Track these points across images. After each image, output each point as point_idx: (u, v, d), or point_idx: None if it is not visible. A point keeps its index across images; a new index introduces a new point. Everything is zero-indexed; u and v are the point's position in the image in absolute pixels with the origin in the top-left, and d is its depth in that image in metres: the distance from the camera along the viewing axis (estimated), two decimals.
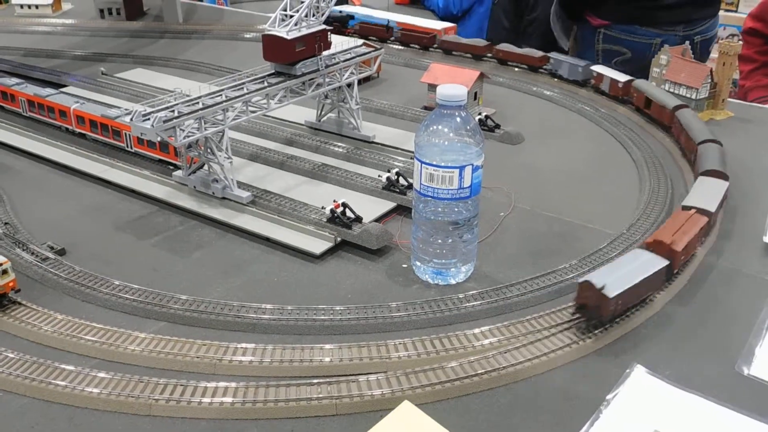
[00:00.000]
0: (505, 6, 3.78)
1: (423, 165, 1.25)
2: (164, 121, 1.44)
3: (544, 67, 2.55)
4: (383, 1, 3.83)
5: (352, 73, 1.86)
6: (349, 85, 1.88)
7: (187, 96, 1.55)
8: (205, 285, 1.36)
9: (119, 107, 1.99)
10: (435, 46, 2.77)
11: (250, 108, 1.63)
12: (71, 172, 1.83)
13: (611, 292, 1.16)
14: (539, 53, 2.56)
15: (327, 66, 1.77)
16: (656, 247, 1.28)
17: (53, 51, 2.85)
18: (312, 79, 1.75)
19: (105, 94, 2.33)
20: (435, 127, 1.25)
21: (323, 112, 2.01)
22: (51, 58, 2.78)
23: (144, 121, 1.45)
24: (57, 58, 2.78)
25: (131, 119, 1.46)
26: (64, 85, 2.41)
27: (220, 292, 1.34)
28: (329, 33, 1.73)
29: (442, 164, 1.23)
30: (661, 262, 1.25)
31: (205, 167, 1.64)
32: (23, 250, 1.43)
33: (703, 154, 1.71)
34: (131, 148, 1.84)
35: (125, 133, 1.83)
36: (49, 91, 2.08)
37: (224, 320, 1.24)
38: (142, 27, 3.26)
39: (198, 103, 1.53)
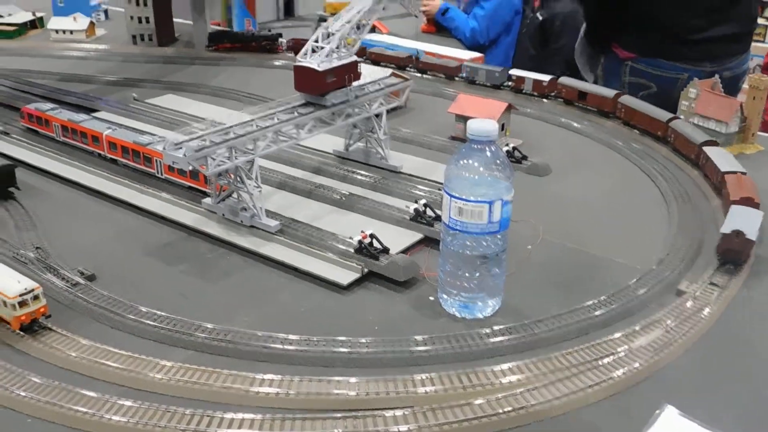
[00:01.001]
0: (532, 34, 3.80)
1: (452, 199, 1.25)
2: (196, 151, 1.46)
3: (461, 75, 2.73)
4: (411, 30, 3.86)
5: (381, 103, 1.87)
6: (378, 116, 1.89)
7: (219, 125, 1.57)
8: (232, 313, 1.37)
9: (151, 133, 2.02)
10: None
11: (281, 137, 1.65)
12: (102, 197, 1.85)
13: (752, 236, 1.44)
14: (454, 63, 2.75)
15: (356, 97, 1.78)
16: (746, 202, 1.58)
17: (86, 76, 2.90)
18: (341, 109, 1.76)
19: (136, 119, 2.36)
20: (465, 161, 1.25)
21: (351, 141, 2.02)
22: (84, 83, 2.83)
23: (176, 150, 1.47)
24: (90, 83, 2.83)
25: (164, 148, 1.48)
26: (97, 110, 2.45)
27: (246, 321, 1.34)
28: (359, 64, 1.75)
29: (472, 198, 1.23)
30: (759, 213, 1.54)
31: (234, 195, 1.65)
32: (54, 275, 1.45)
33: (683, 131, 2.04)
34: (161, 174, 1.87)
35: (156, 160, 1.86)
36: (82, 116, 2.12)
37: (251, 350, 1.24)
38: (173, 53, 3.31)
39: (229, 132, 1.55)
